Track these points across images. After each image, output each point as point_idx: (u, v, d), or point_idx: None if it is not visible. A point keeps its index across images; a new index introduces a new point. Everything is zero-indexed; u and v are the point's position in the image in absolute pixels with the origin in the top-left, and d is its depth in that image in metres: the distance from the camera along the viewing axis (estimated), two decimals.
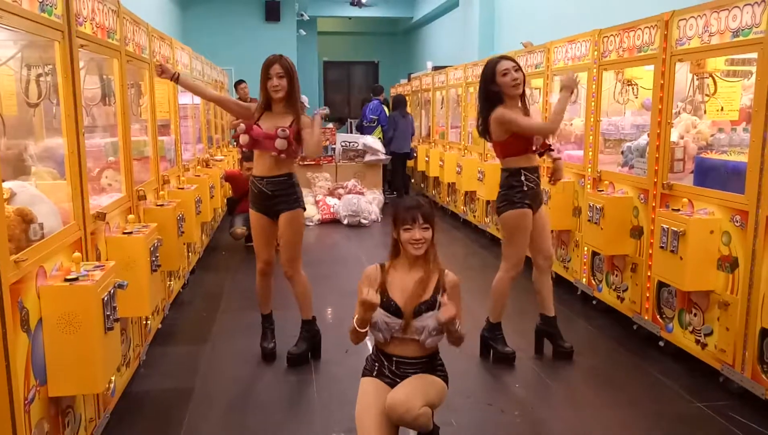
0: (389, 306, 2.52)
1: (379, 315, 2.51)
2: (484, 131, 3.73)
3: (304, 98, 9.88)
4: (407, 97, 11.36)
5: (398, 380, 2.53)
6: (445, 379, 2.63)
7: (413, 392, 2.43)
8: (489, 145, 6.73)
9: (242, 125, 3.62)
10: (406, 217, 2.53)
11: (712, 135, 4.01)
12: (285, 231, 3.66)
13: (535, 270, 3.84)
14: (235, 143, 3.95)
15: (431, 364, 2.60)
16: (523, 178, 3.62)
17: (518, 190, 3.62)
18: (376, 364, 2.61)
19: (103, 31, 3.20)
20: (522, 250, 3.70)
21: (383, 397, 2.46)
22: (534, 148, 3.65)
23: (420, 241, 2.53)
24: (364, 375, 2.63)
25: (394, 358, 2.56)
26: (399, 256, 2.62)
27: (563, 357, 3.81)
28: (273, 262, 3.79)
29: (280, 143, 3.49)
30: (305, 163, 8.53)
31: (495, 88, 3.57)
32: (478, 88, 3.87)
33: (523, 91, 3.65)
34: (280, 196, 3.63)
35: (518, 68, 3.57)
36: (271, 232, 3.74)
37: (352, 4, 15.93)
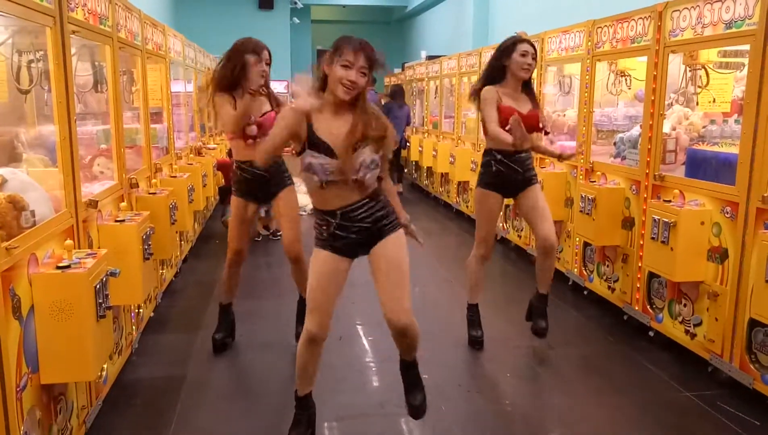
0: (319, 146, 2.35)
1: (310, 157, 2.35)
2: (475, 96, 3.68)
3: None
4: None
5: (351, 235, 2.45)
6: (396, 225, 2.52)
7: (404, 296, 2.45)
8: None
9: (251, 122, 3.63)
10: (349, 54, 2.28)
11: (704, 126, 4.03)
12: (286, 209, 3.65)
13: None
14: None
15: (376, 205, 2.46)
16: (492, 159, 3.61)
17: (486, 171, 3.66)
18: (324, 227, 2.48)
19: (95, 17, 3.17)
20: (484, 230, 3.71)
21: (329, 265, 2.49)
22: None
23: (353, 85, 2.31)
24: (316, 246, 2.55)
25: (338, 212, 2.43)
26: (323, 96, 2.38)
27: (535, 333, 3.74)
28: (245, 254, 3.74)
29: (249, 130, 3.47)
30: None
31: (506, 62, 3.54)
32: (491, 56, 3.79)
33: (530, 81, 3.61)
34: (274, 177, 3.62)
35: (535, 57, 3.55)
36: (251, 221, 3.78)
37: None
